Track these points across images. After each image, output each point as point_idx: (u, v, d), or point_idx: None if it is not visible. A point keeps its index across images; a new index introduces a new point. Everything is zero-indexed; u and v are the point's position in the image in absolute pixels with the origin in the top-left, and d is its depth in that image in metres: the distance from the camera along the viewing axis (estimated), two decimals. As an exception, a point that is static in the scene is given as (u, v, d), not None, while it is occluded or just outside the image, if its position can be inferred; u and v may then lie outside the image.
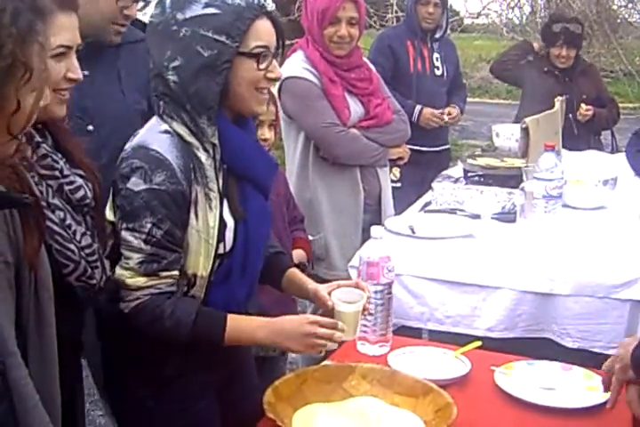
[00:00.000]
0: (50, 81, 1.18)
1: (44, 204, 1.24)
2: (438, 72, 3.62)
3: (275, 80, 1.49)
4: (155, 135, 1.43)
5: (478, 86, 12.19)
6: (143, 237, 1.39)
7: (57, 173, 1.31)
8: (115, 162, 1.46)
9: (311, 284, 1.63)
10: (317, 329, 1.43)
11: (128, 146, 1.45)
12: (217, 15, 1.38)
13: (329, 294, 1.56)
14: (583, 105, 3.91)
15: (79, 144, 1.41)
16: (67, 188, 1.33)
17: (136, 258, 1.40)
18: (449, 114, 3.59)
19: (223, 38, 1.37)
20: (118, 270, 1.42)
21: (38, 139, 1.31)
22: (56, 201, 1.29)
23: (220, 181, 1.45)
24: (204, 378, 1.53)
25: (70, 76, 1.31)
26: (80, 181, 1.36)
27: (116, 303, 1.43)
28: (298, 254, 2.25)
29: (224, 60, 1.38)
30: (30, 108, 0.92)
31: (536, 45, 4.20)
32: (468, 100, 4.06)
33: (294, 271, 1.67)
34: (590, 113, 3.91)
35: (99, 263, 1.35)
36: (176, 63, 1.40)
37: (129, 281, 1.40)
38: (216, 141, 1.43)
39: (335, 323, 1.46)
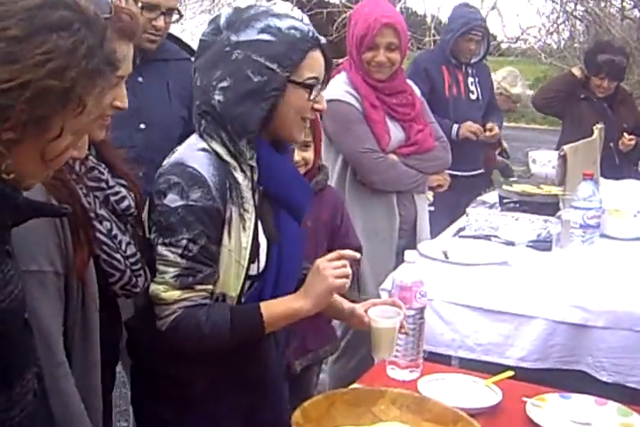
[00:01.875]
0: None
1: (92, 215, 1.26)
2: (473, 96, 3.61)
3: (319, 111, 1.53)
4: (192, 153, 1.45)
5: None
6: (179, 251, 1.40)
7: (103, 184, 1.33)
8: (156, 163, 1.49)
9: (347, 303, 1.64)
10: (329, 262, 1.45)
11: (166, 162, 1.46)
12: (270, 42, 1.40)
13: (365, 311, 1.58)
14: (626, 134, 3.87)
15: (120, 154, 1.43)
16: (112, 198, 1.34)
17: (172, 272, 1.41)
18: (490, 130, 3.58)
19: (274, 66, 1.40)
20: (152, 286, 1.42)
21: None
22: (103, 212, 1.31)
23: (256, 203, 1.46)
24: (229, 401, 1.51)
25: (117, 104, 1.32)
26: (124, 191, 1.38)
27: (145, 320, 1.42)
28: None
29: (272, 87, 1.41)
30: (67, 144, 0.90)
31: (577, 72, 4.10)
32: (504, 124, 4.05)
33: None
34: (633, 142, 3.87)
35: (142, 271, 1.37)
36: (224, 84, 1.42)
37: (164, 295, 1.41)
38: (254, 164, 1.45)
39: (337, 253, 1.49)
